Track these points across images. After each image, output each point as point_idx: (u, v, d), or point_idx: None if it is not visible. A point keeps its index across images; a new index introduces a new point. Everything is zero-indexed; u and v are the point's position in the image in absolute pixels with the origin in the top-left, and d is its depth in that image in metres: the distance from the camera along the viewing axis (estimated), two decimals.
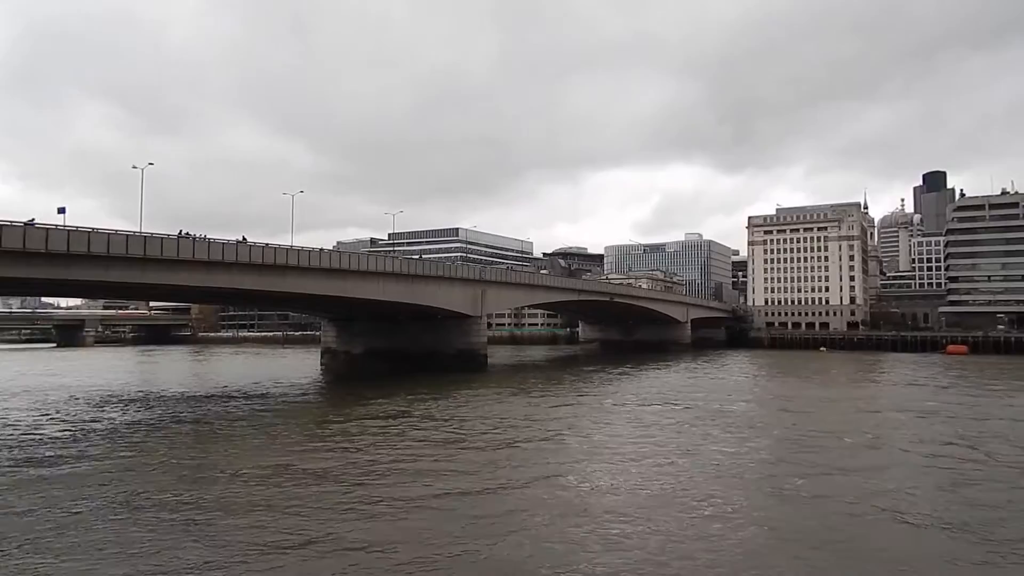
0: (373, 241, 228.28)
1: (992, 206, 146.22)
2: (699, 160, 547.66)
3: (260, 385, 58.98)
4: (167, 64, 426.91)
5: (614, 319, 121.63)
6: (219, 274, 48.33)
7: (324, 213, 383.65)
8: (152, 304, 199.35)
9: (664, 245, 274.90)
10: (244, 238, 52.69)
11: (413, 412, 39.15)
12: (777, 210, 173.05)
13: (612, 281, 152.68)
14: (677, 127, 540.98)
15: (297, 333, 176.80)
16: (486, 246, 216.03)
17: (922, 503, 20.08)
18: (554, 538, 16.52)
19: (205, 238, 48.99)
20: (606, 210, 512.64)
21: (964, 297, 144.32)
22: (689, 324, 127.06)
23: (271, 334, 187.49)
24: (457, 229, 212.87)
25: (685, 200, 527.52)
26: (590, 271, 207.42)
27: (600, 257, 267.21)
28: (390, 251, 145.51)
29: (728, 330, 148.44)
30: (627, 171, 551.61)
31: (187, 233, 48.97)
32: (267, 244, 51.84)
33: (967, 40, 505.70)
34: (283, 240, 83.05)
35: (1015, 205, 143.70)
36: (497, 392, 50.63)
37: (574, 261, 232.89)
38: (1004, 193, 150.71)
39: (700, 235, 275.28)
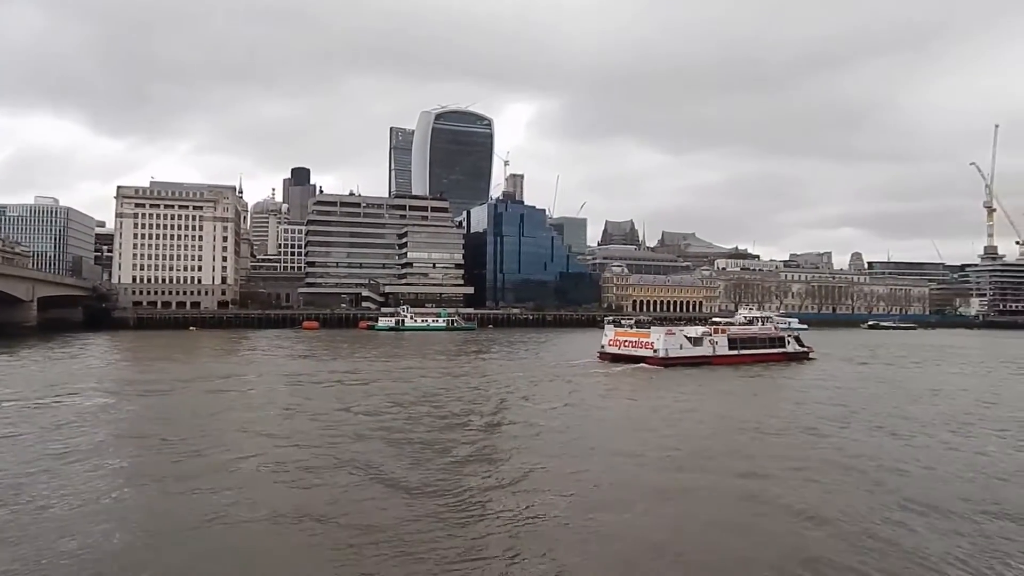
0: None
1: (343, 204, 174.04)
2: (75, 116, 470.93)
3: None
4: None
5: None
6: None
7: None
8: None
9: (6, 208, 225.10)
10: None
11: None
12: (152, 183, 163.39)
13: None
14: (51, 72, 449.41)
15: None
16: None
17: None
18: None
19: None
20: None
21: (319, 280, 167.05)
22: (36, 303, 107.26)
23: None
24: None
25: (51, 158, 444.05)
26: None
27: None
28: None
29: (87, 310, 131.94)
30: None
31: None
32: None
33: (351, 61, 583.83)
34: None
35: (358, 205, 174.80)
36: None
37: None
38: (352, 195, 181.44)
39: (56, 200, 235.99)
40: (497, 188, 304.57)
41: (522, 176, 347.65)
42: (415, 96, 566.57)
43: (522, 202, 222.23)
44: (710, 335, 59.61)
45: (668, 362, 54.58)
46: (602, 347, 61.30)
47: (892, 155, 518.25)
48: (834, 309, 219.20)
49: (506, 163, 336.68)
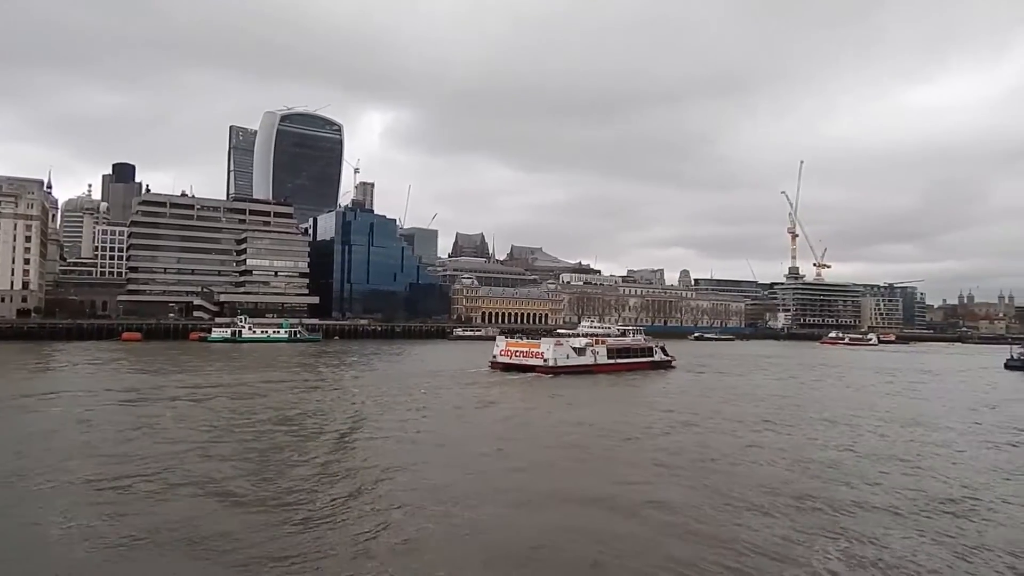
0: None
1: (173, 205, 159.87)
2: None
3: None
4: None
5: None
6: None
7: None
8: None
9: None
10: None
11: None
12: None
13: None
14: None
15: None
16: None
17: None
18: None
19: None
20: None
21: (143, 287, 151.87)
22: None
23: None
24: None
25: None
26: None
27: None
28: None
29: None
30: None
31: None
32: None
33: (190, 55, 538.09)
34: None
35: (192, 207, 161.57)
36: None
37: None
38: (184, 195, 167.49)
39: None
40: (346, 196, 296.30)
41: (373, 185, 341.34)
42: (260, 96, 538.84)
43: (372, 211, 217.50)
44: (592, 346, 63.78)
45: (557, 370, 57.74)
46: (494, 357, 63.32)
47: (718, 183, 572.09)
48: (665, 322, 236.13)
49: (356, 171, 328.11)
